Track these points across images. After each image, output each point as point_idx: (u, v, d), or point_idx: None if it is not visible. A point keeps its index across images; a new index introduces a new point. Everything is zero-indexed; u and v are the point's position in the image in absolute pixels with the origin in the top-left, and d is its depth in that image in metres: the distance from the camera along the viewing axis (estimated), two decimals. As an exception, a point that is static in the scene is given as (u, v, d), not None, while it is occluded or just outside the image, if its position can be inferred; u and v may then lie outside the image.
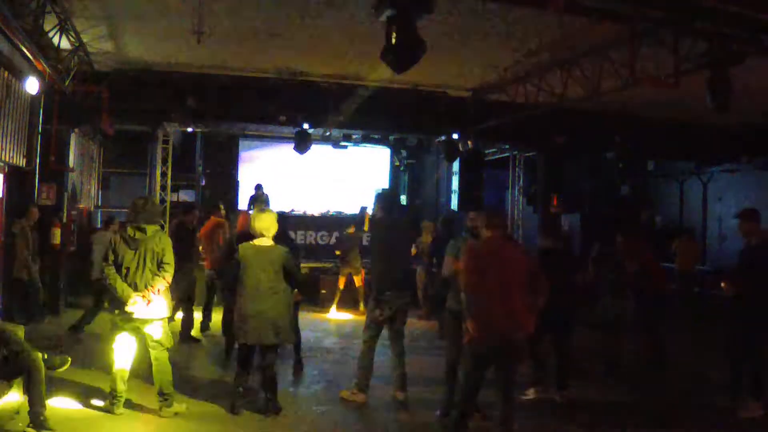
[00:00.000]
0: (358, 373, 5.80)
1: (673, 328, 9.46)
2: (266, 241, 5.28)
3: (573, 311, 6.23)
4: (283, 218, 5.89)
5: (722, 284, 5.79)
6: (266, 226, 5.30)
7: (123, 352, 5.13)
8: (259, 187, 13.74)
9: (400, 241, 5.91)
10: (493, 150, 15.22)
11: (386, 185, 15.84)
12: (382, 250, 5.85)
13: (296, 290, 5.96)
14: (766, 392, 5.62)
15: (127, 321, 5.05)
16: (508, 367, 4.49)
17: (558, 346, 6.15)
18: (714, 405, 5.96)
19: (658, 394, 6.34)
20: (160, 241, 5.14)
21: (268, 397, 5.30)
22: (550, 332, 5.95)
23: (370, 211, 14.61)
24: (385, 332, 5.89)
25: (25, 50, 7.11)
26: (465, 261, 4.68)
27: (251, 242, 5.30)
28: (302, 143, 12.14)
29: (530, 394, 6.01)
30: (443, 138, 12.94)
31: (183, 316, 8.20)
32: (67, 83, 8.64)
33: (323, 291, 11.54)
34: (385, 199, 6.13)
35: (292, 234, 10.99)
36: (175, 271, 5.28)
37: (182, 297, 8.07)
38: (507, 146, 14.65)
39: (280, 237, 6.76)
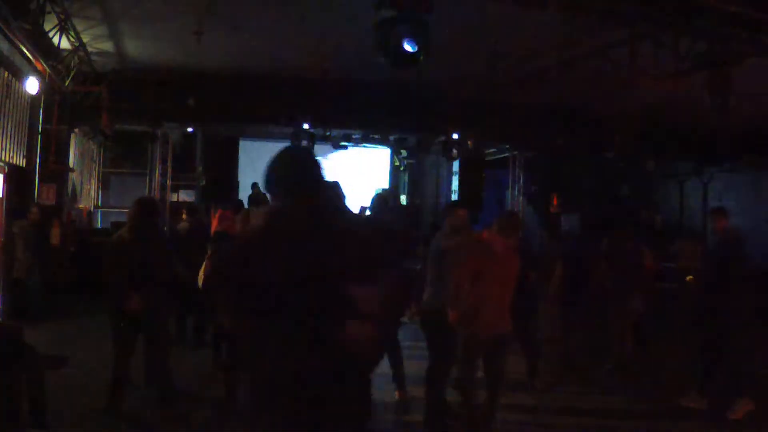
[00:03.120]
0: None
1: (672, 328, 9.47)
2: None
3: (533, 303, 6.46)
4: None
5: (687, 278, 5.85)
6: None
7: (124, 351, 5.13)
8: (255, 186, 13.75)
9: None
10: (493, 150, 15.23)
11: (386, 185, 15.86)
12: None
13: None
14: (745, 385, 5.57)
15: (128, 320, 5.05)
16: (497, 360, 4.77)
17: (522, 336, 6.31)
18: (711, 405, 5.94)
19: (656, 394, 6.34)
20: (164, 241, 5.14)
21: None
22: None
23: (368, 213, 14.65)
24: None
25: (25, 50, 7.12)
26: (464, 258, 4.75)
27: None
28: (302, 143, 12.15)
29: None
30: (443, 138, 12.94)
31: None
32: (67, 83, 8.65)
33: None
34: (373, 202, 6.07)
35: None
36: None
37: None
38: (507, 146, 14.66)
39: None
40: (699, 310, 5.89)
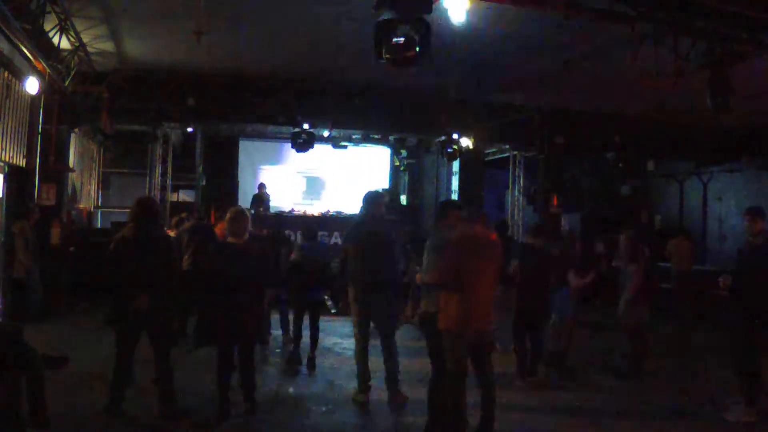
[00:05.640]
0: (358, 373, 5.80)
1: (670, 328, 9.48)
2: (234, 240, 5.30)
3: (546, 306, 6.61)
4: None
5: (720, 281, 5.67)
6: (227, 225, 5.35)
7: (125, 351, 5.13)
8: (262, 186, 13.75)
9: (378, 243, 5.73)
10: (493, 150, 15.23)
11: (386, 185, 15.84)
12: (357, 252, 5.75)
13: None
14: (761, 398, 5.44)
15: (130, 321, 5.04)
16: (484, 357, 4.78)
17: (534, 337, 6.54)
18: (708, 406, 5.93)
19: (653, 395, 6.34)
20: (165, 241, 5.13)
21: (246, 398, 5.28)
22: (529, 326, 6.42)
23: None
24: None
25: (25, 50, 7.12)
26: (449, 255, 4.66)
27: (226, 241, 5.36)
28: (302, 143, 12.15)
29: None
30: (443, 138, 12.94)
31: None
32: (67, 83, 8.65)
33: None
34: (366, 201, 6.03)
35: (291, 234, 11.00)
36: None
37: None
38: (507, 146, 14.66)
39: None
40: (738, 315, 5.61)
